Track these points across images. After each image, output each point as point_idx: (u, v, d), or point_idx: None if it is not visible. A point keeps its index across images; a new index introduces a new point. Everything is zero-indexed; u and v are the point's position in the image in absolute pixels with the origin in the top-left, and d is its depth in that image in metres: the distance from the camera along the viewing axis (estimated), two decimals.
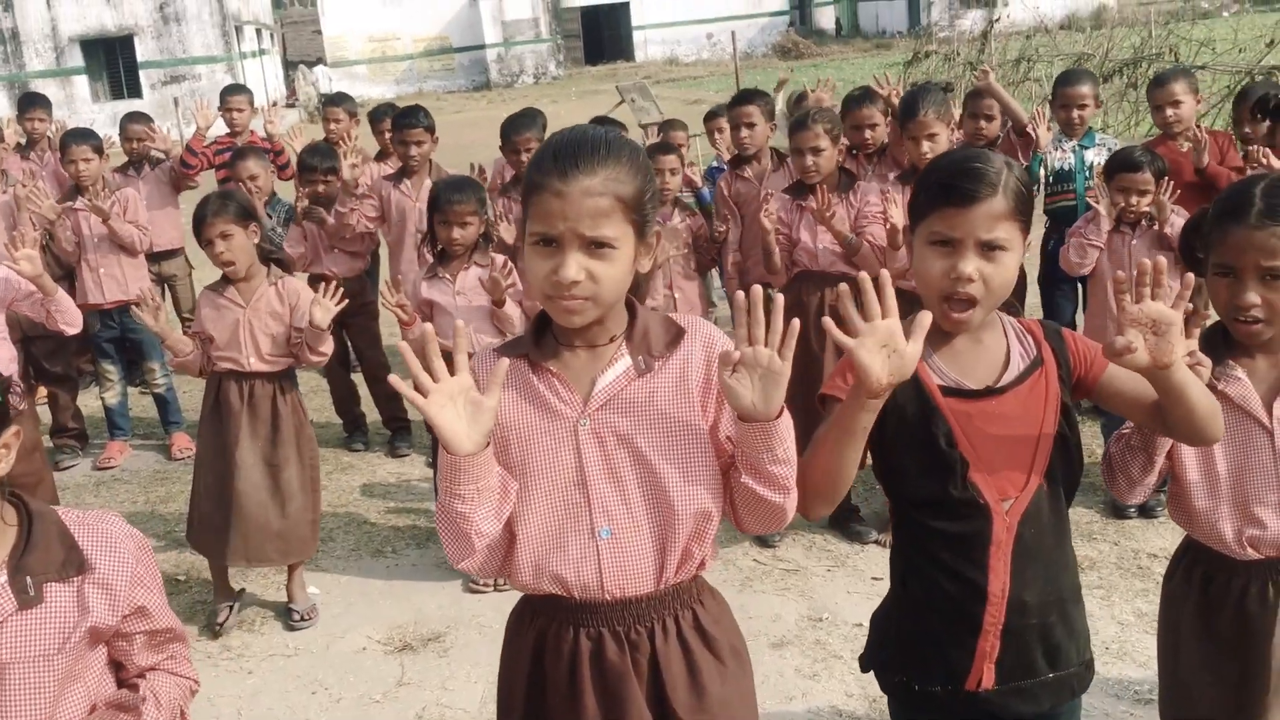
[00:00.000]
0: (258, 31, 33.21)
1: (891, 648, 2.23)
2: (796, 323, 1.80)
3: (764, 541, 4.74)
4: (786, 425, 1.85)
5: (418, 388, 1.78)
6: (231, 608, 4.43)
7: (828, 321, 1.85)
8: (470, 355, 1.86)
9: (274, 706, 3.87)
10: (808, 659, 3.88)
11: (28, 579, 1.74)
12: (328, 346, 4.30)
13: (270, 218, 6.21)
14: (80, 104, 26.94)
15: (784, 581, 4.45)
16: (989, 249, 2.00)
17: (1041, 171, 5.76)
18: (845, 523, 4.81)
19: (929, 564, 2.11)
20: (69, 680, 1.79)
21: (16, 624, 1.73)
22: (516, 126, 5.97)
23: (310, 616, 4.43)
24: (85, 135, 6.14)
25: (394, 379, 1.83)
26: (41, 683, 1.74)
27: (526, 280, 1.98)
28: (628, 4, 38.92)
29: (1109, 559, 4.40)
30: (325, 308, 4.19)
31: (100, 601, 1.79)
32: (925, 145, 4.69)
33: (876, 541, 4.69)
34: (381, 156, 7.14)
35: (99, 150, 6.08)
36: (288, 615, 4.44)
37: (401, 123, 6.08)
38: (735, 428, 1.88)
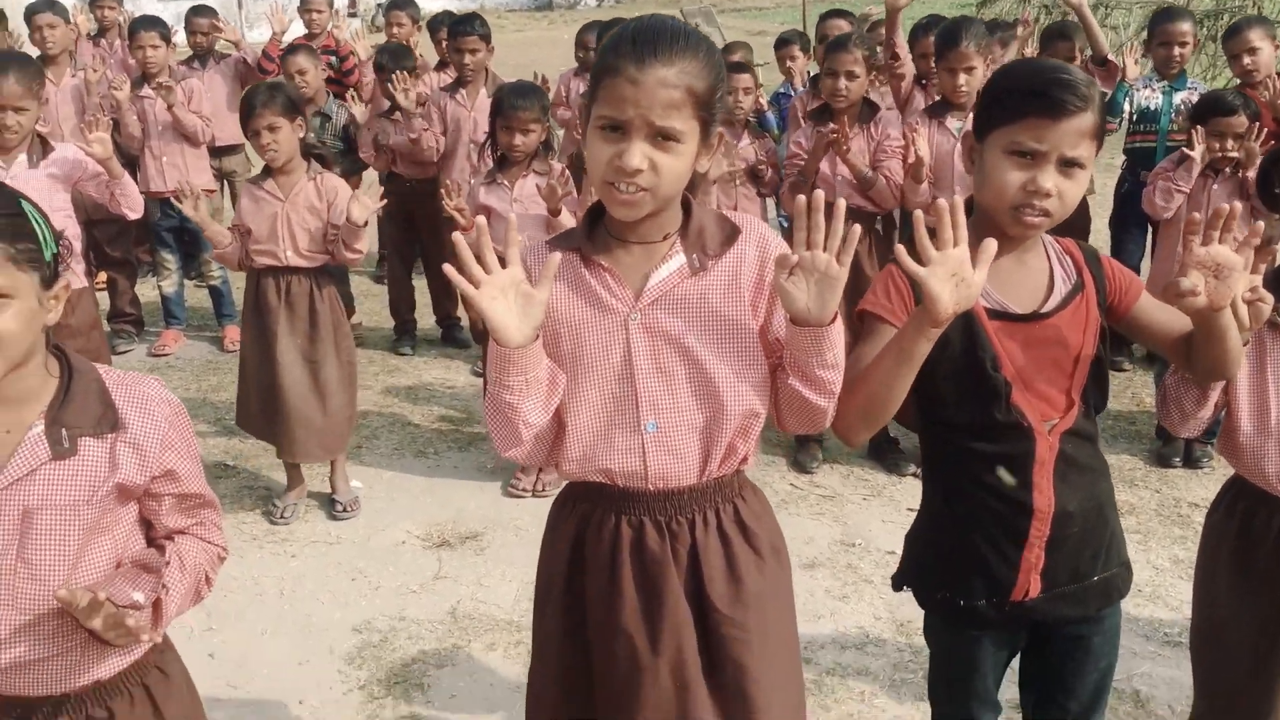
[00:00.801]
0: None
1: (931, 565, 2.24)
2: (857, 228, 1.80)
3: (801, 467, 4.77)
4: (838, 331, 1.85)
5: (470, 280, 1.79)
6: (296, 505, 4.53)
7: (900, 249, 1.84)
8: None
9: (315, 590, 3.98)
10: (838, 581, 3.92)
11: (63, 431, 1.77)
12: (363, 244, 4.34)
13: (328, 119, 6.24)
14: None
15: (819, 506, 4.49)
16: (1069, 165, 1.98)
17: (1127, 106, 5.63)
18: (884, 454, 4.82)
19: (971, 484, 2.11)
20: (96, 532, 1.82)
21: (48, 473, 1.76)
22: (592, 29, 6.04)
23: (352, 509, 4.53)
24: (153, 22, 6.18)
25: (448, 267, 1.82)
26: (67, 531, 1.78)
27: (588, 174, 1.97)
28: None
29: (1149, 505, 4.39)
30: (363, 205, 4.21)
31: (130, 460, 1.82)
32: (961, 78, 4.58)
33: (915, 474, 4.70)
34: (442, 66, 7.13)
35: (166, 38, 6.14)
36: (330, 506, 4.55)
37: (456, 30, 6.05)
38: (786, 330, 1.88)
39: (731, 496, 2.03)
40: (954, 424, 2.11)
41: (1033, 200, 1.98)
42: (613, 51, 1.81)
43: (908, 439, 4.89)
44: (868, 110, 4.74)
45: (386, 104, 6.14)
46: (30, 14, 6.40)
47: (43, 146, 4.44)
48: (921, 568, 2.28)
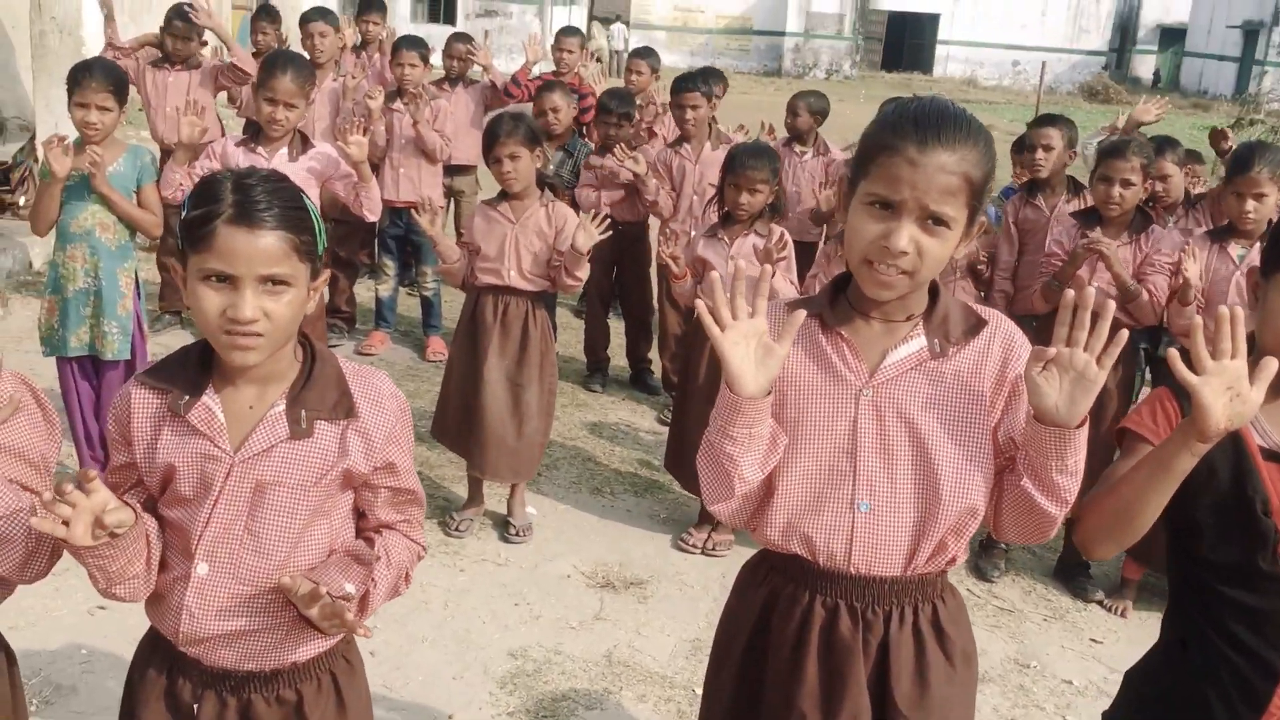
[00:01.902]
0: None
1: (1152, 709, 2.08)
2: (1124, 334, 1.72)
3: (981, 573, 4.58)
4: (1083, 437, 1.77)
5: (718, 321, 1.78)
6: (472, 521, 4.62)
7: (1172, 354, 1.75)
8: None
9: (478, 607, 4.03)
10: (1008, 701, 3.73)
11: (302, 412, 1.84)
12: (584, 272, 4.43)
13: (570, 155, 6.42)
14: (399, 21, 28.60)
15: (996, 619, 4.29)
16: None
17: None
18: (1072, 575, 4.58)
19: (1216, 633, 1.96)
20: (318, 515, 1.89)
21: (285, 450, 1.84)
22: (804, 97, 6.47)
23: (525, 534, 4.58)
24: (416, 43, 6.52)
25: (700, 302, 1.78)
26: (296, 508, 1.85)
27: (846, 246, 1.94)
28: (938, 17, 38.06)
29: None
30: (589, 233, 4.30)
31: (358, 448, 1.87)
32: (1250, 204, 4.33)
33: (1100, 602, 4.45)
34: None
35: (425, 59, 6.46)
36: (505, 528, 4.61)
37: (679, 87, 6.16)
38: (1027, 428, 1.80)
39: (932, 596, 1.96)
40: (1208, 564, 1.96)
41: None
42: (892, 130, 1.78)
43: (1099, 565, 4.64)
44: (1141, 220, 4.53)
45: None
46: (304, 21, 6.84)
47: (303, 142, 4.72)
48: (1142, 709, 2.12)
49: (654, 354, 6.60)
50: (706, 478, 1.92)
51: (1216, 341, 1.73)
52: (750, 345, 1.79)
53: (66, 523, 1.62)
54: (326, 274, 1.93)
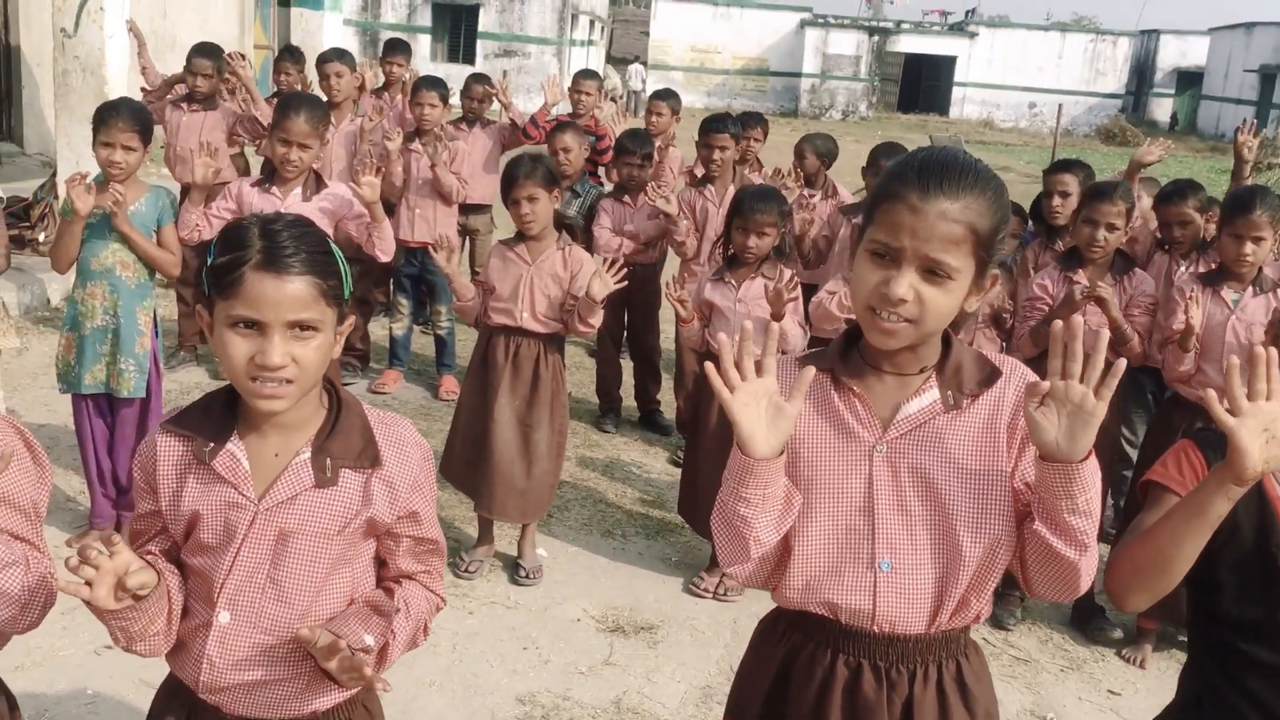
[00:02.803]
0: (591, 22, 34.62)
1: None
2: (1122, 363, 1.69)
3: (998, 621, 4.52)
4: (1092, 473, 1.72)
5: (726, 383, 1.75)
6: (482, 562, 4.60)
7: (1210, 395, 1.72)
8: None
9: (486, 651, 3.99)
10: None
11: (328, 460, 1.83)
12: (597, 319, 4.42)
13: (578, 196, 6.44)
14: (419, 60, 28.79)
15: (1012, 669, 4.23)
16: None
17: None
18: (1088, 620, 4.52)
19: (1233, 690, 1.93)
20: (340, 564, 1.87)
21: (309, 499, 1.83)
22: (811, 140, 6.34)
23: (535, 576, 4.55)
24: (436, 84, 6.56)
25: (708, 365, 1.75)
26: (318, 557, 1.84)
27: (851, 294, 1.91)
28: (954, 59, 38.28)
29: None
30: (605, 282, 4.30)
31: (382, 497, 1.86)
32: (1248, 246, 4.29)
33: (1118, 641, 4.40)
34: None
35: (444, 99, 6.51)
36: (515, 569, 4.58)
37: (708, 128, 6.19)
38: (1035, 470, 1.76)
39: (956, 653, 1.92)
40: (1229, 621, 1.94)
41: None
42: (897, 178, 1.77)
43: (1116, 613, 4.58)
44: (1122, 262, 4.55)
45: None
46: (321, 61, 6.89)
47: (317, 182, 4.74)
48: None
49: (666, 394, 6.59)
50: (722, 540, 1.88)
51: (1252, 383, 1.71)
52: (761, 406, 1.76)
53: (90, 584, 1.61)
54: (352, 318, 1.92)
